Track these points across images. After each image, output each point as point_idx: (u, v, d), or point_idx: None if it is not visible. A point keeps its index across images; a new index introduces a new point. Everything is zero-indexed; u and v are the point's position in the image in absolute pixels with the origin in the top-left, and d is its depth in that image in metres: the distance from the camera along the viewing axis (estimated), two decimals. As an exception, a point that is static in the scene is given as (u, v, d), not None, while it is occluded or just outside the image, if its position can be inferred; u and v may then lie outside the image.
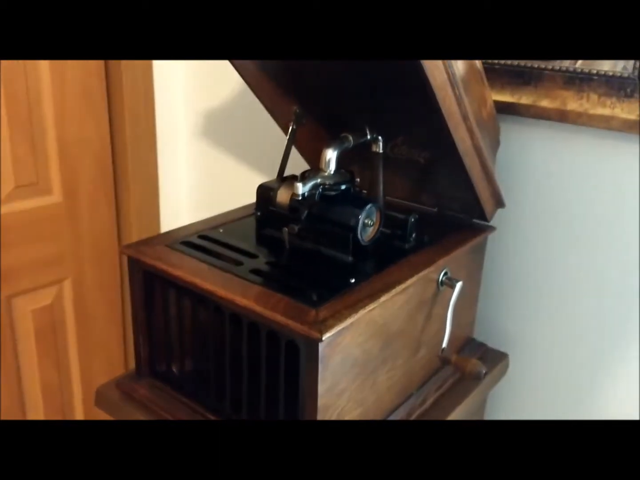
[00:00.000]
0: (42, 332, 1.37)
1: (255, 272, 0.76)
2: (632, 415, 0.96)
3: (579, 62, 0.90)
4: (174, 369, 0.83)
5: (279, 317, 0.66)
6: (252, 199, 0.94)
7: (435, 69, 0.67)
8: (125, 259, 1.46)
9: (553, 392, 1.03)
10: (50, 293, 1.38)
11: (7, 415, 1.36)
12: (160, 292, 0.81)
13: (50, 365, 1.40)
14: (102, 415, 1.49)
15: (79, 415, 1.48)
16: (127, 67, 1.33)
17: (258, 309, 0.67)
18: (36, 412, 1.41)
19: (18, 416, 1.38)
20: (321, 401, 0.66)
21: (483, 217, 0.91)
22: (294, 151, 0.97)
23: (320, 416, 0.67)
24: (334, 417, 0.70)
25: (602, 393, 0.98)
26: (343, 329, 0.65)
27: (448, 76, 0.69)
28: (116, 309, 1.51)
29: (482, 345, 1.00)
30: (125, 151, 1.38)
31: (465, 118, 0.74)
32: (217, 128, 1.41)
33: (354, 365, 0.71)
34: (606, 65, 0.88)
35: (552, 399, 1.03)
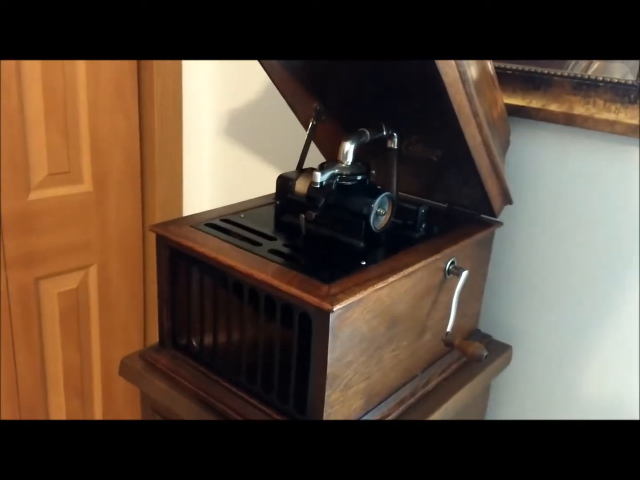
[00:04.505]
0: (66, 314, 1.44)
1: (273, 252, 0.81)
2: (631, 409, 1.00)
3: (586, 69, 0.95)
4: (194, 342, 0.89)
5: (294, 290, 0.71)
6: (272, 191, 1.00)
7: (447, 67, 0.72)
8: (149, 249, 1.53)
9: (554, 384, 1.06)
10: (76, 278, 1.44)
11: (28, 393, 1.42)
12: (184, 271, 0.87)
13: (72, 346, 1.47)
14: (119, 397, 1.56)
15: (97, 395, 1.54)
16: (159, 68, 1.40)
17: (275, 282, 0.73)
18: (57, 390, 1.47)
19: (39, 394, 1.44)
20: (330, 369, 0.71)
21: (491, 213, 0.96)
22: (313, 148, 1.03)
23: (329, 384, 0.72)
24: (341, 387, 0.74)
25: (600, 386, 1.02)
26: (352, 303, 0.71)
27: (460, 74, 0.74)
28: (138, 296, 1.57)
29: (487, 336, 1.05)
30: (153, 146, 1.45)
31: (475, 115, 0.79)
32: (239, 126, 1.47)
33: (361, 340, 0.76)
34: (617, 74, 0.92)
35: (552, 391, 1.07)
